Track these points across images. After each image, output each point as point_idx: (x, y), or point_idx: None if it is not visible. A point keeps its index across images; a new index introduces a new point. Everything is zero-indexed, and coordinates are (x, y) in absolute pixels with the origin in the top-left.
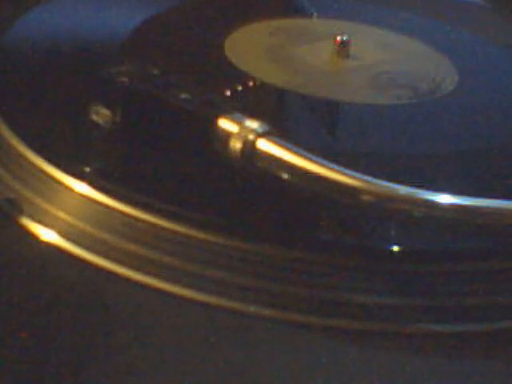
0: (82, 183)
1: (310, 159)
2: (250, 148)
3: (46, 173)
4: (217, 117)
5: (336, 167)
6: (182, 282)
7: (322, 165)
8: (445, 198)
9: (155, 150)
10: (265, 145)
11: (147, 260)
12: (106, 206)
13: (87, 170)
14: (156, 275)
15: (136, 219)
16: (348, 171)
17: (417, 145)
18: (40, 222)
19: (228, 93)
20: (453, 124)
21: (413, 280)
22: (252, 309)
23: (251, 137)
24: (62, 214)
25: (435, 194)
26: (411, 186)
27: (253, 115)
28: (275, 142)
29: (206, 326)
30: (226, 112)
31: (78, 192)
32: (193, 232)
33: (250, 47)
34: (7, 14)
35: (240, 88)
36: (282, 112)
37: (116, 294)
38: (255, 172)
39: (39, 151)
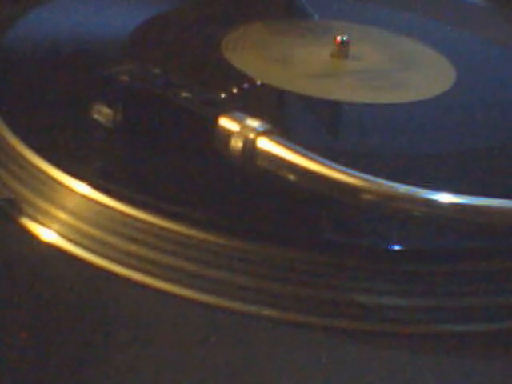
0: (82, 183)
1: (311, 158)
2: (250, 147)
3: (45, 173)
4: (217, 116)
5: (336, 166)
6: (182, 282)
7: (323, 164)
8: (445, 198)
9: (156, 150)
10: (265, 144)
11: (147, 260)
12: (106, 206)
13: (87, 170)
14: (156, 275)
15: (136, 219)
16: (348, 170)
17: (417, 145)
18: (40, 222)
19: (228, 92)
20: (453, 124)
21: (413, 280)
22: (252, 309)
23: (252, 136)
24: (62, 214)
25: (435, 193)
26: (411, 185)
27: (253, 115)
28: (276, 141)
29: (206, 326)
30: (227, 111)
31: (78, 192)
32: (193, 232)
33: (250, 47)
34: (7, 14)
35: (240, 88)
36: (281, 112)
37: (116, 294)
38: (256, 171)
39: (39, 151)
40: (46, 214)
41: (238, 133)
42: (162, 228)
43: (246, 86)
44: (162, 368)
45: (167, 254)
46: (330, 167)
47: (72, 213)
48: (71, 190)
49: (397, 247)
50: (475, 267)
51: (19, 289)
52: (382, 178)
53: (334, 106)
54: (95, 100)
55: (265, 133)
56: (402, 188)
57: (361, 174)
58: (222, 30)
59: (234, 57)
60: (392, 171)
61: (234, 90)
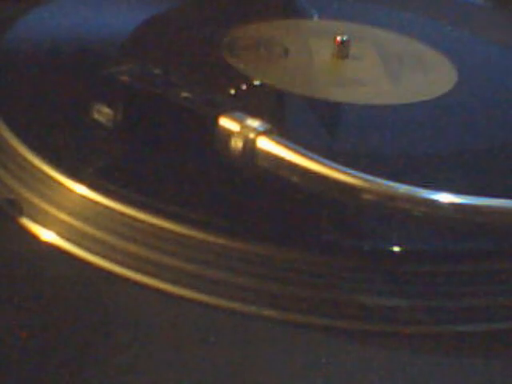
0: (82, 184)
1: (311, 158)
2: (250, 147)
3: (46, 173)
4: (217, 116)
5: (336, 166)
6: (181, 282)
7: (323, 163)
8: (445, 197)
9: (155, 150)
10: (265, 143)
11: (147, 260)
12: (106, 207)
13: (87, 170)
14: (156, 275)
15: (136, 219)
16: (348, 170)
17: (417, 145)
18: (40, 222)
19: (228, 92)
20: (453, 124)
21: (413, 280)
22: (252, 309)
23: (252, 136)
24: (62, 215)
25: (435, 192)
26: (411, 185)
27: (253, 115)
28: (276, 141)
29: (205, 326)
30: (227, 111)
31: (77, 192)
32: (193, 232)
33: (250, 47)
34: (7, 14)
35: (239, 88)
36: (281, 112)
37: (116, 294)
38: (256, 171)
39: (39, 152)
40: (46, 214)
41: (238, 133)
42: (161, 228)
43: (245, 86)
44: (161, 368)
45: (167, 254)
46: (330, 167)
47: (72, 213)
48: (71, 190)
49: (397, 248)
50: (475, 267)
51: (19, 289)
52: (382, 178)
53: (334, 106)
54: (95, 100)
55: (265, 133)
56: (402, 188)
57: (361, 174)
58: (222, 29)
59: (233, 57)
60: (392, 171)
61: (233, 91)
